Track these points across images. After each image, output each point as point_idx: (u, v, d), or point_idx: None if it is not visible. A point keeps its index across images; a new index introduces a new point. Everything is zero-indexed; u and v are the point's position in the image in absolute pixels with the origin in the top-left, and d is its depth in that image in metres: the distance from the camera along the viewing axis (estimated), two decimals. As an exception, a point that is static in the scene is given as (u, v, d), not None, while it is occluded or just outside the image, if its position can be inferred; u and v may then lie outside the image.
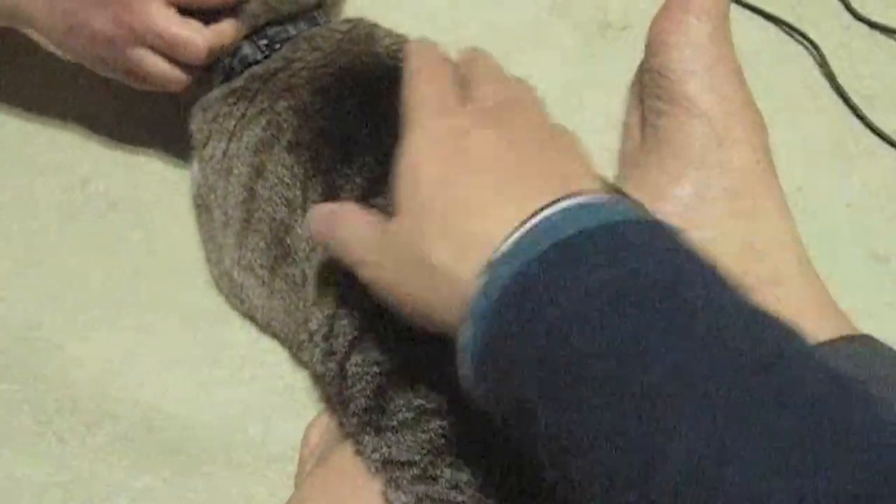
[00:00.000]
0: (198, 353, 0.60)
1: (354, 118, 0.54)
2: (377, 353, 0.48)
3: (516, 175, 0.41)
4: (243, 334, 0.61)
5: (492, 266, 0.38)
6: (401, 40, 0.59)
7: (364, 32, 0.58)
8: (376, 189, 0.50)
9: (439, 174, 0.42)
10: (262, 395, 0.59)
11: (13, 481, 0.56)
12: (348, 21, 0.60)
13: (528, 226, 0.38)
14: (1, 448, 0.57)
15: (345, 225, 0.46)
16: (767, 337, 0.35)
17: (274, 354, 0.60)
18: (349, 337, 0.49)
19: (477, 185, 0.41)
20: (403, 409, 0.47)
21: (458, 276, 0.39)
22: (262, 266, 0.56)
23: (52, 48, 0.62)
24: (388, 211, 0.44)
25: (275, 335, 0.60)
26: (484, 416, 0.44)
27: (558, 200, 0.38)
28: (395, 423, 0.47)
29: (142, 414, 0.59)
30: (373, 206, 0.47)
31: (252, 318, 0.60)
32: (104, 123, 0.68)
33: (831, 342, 0.53)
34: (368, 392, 0.48)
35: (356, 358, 0.48)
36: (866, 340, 0.54)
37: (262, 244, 0.55)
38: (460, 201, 0.41)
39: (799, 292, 0.55)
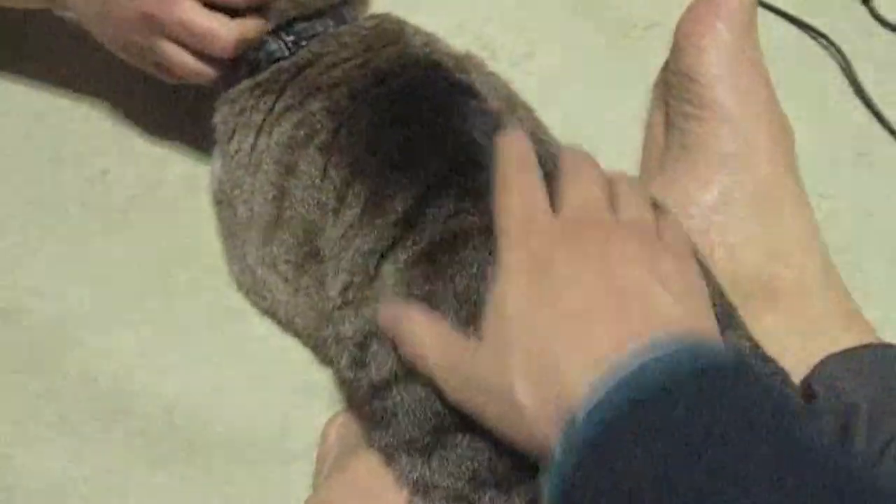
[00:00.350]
0: (217, 350, 0.60)
1: (399, 124, 0.53)
2: (430, 393, 0.46)
3: (593, 312, 0.40)
4: (263, 331, 0.61)
5: (569, 422, 0.37)
6: (432, 39, 0.58)
7: (392, 29, 0.58)
8: (434, 201, 0.49)
9: (523, 306, 0.41)
10: (281, 393, 0.59)
11: (32, 474, 0.57)
12: (374, 17, 0.59)
13: (608, 376, 0.37)
14: (20, 441, 0.57)
15: (422, 339, 0.45)
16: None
17: (294, 352, 0.60)
18: (392, 364, 0.48)
19: (559, 326, 0.40)
20: (462, 446, 0.46)
21: (543, 419, 0.39)
22: (287, 262, 0.55)
23: (84, 36, 0.61)
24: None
25: (296, 333, 0.60)
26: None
27: (635, 349, 0.38)
28: (447, 453, 0.46)
29: (161, 410, 0.59)
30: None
31: (273, 315, 0.60)
32: (125, 116, 0.68)
33: (854, 350, 0.53)
34: (417, 425, 0.47)
35: (405, 395, 0.47)
36: (888, 349, 0.54)
37: (291, 241, 0.55)
38: (543, 342, 0.40)
39: (823, 299, 0.55)
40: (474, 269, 0.47)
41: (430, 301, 0.47)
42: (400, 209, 0.50)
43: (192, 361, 0.60)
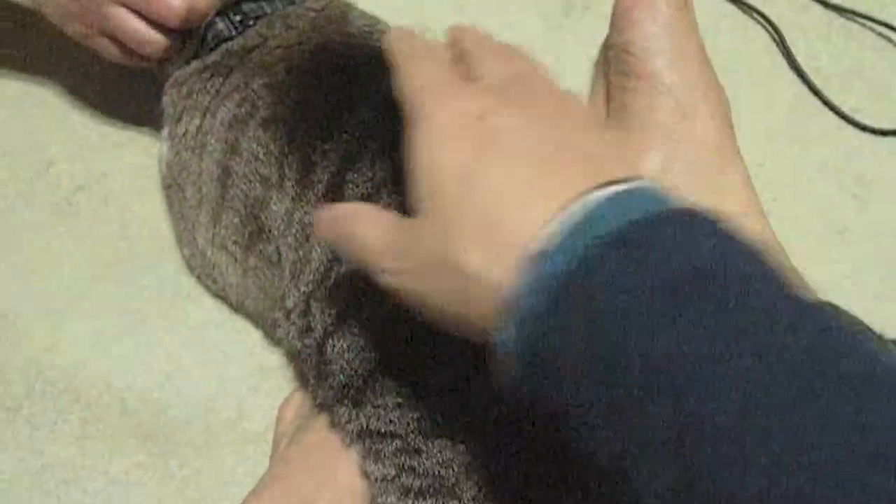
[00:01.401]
0: (170, 335, 0.60)
1: (329, 95, 0.54)
2: (360, 338, 0.48)
3: (547, 161, 0.37)
4: (216, 315, 0.61)
5: (534, 265, 0.35)
6: (374, 22, 0.59)
7: (338, 12, 0.59)
8: (352, 166, 0.50)
9: (461, 168, 0.38)
10: (236, 376, 0.59)
11: (-16, 467, 0.56)
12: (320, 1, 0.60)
13: (569, 219, 0.35)
14: (-29, 435, 0.57)
15: (359, 229, 0.42)
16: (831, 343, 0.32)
17: (247, 335, 0.60)
18: (328, 318, 0.49)
19: (505, 177, 0.37)
20: (390, 393, 0.47)
21: (494, 277, 0.36)
22: (235, 243, 0.56)
23: (26, 25, 0.61)
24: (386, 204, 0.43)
25: (248, 314, 0.60)
26: (479, 402, 0.44)
27: (597, 188, 0.35)
28: (377, 400, 0.47)
29: (114, 398, 0.58)
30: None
31: (225, 298, 0.60)
32: (69, 107, 0.67)
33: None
34: (350, 372, 0.48)
35: (337, 342, 0.48)
36: (830, 308, 0.55)
37: (236, 221, 0.55)
38: (489, 197, 0.37)
39: (763, 263, 0.57)
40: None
41: None
42: (325, 179, 0.51)
43: (144, 348, 0.60)
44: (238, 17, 0.58)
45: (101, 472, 0.56)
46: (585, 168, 0.37)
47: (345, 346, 0.48)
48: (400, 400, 0.47)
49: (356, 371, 0.48)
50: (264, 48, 0.56)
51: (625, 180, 0.36)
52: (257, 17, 0.58)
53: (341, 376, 0.48)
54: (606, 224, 0.34)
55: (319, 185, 0.51)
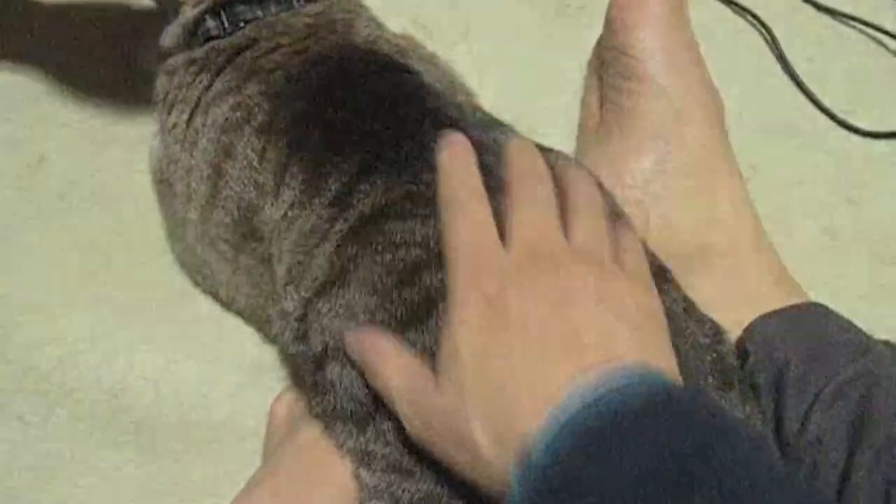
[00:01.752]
0: (163, 331, 0.60)
1: (336, 106, 0.53)
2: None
3: (547, 349, 0.40)
4: (209, 311, 0.61)
5: (523, 460, 0.38)
6: (379, 30, 0.59)
7: (341, 19, 0.58)
8: (364, 178, 0.50)
9: (476, 350, 0.42)
10: (228, 373, 0.59)
11: (-26, 462, 0.56)
12: (322, 3, 0.59)
13: (560, 411, 0.38)
14: (-39, 429, 0.57)
15: (385, 370, 0.45)
16: None
17: (239, 331, 0.60)
18: (328, 337, 0.48)
19: (512, 366, 0.40)
20: (393, 419, 0.46)
21: (499, 460, 0.39)
22: (226, 241, 0.56)
23: (20, 19, 0.60)
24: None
25: (238, 311, 0.60)
26: None
27: (586, 378, 0.38)
28: (380, 426, 0.47)
29: (106, 393, 0.58)
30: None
31: (215, 295, 0.60)
32: (62, 101, 0.67)
33: (785, 310, 0.55)
34: (356, 400, 0.47)
35: (341, 369, 0.48)
36: (818, 308, 0.56)
37: (227, 220, 0.55)
38: (495, 384, 0.40)
39: (755, 263, 0.57)
40: (397, 238, 0.47)
41: (353, 266, 0.48)
42: (334, 189, 0.50)
43: (137, 343, 0.60)
44: (228, 18, 0.58)
45: (92, 468, 0.56)
46: (575, 357, 0.40)
47: (348, 373, 0.47)
48: (402, 427, 0.46)
49: (361, 400, 0.47)
50: (255, 50, 0.56)
51: (606, 365, 0.39)
52: (248, 20, 0.58)
53: (344, 400, 0.48)
54: (588, 418, 0.37)
55: (328, 194, 0.50)
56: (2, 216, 0.64)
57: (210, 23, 0.58)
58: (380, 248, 0.47)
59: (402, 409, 0.44)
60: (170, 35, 0.59)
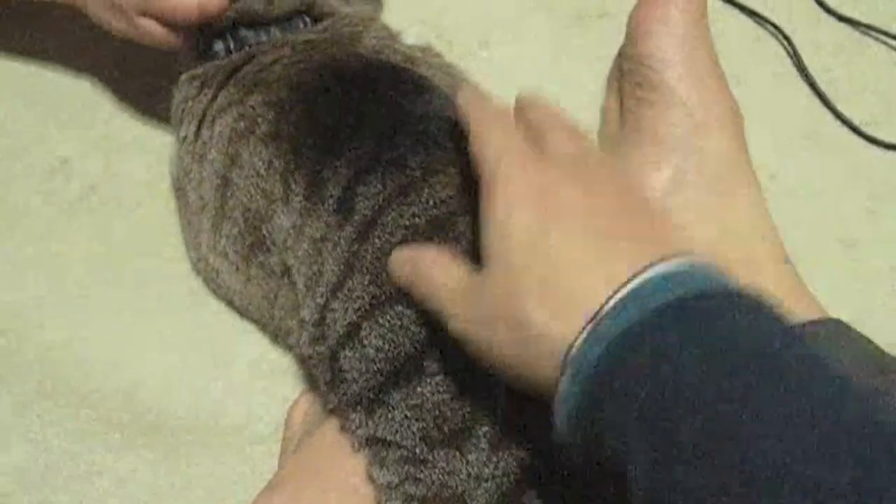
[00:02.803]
0: (180, 335, 0.61)
1: (336, 111, 0.54)
2: (372, 349, 0.48)
3: (611, 234, 0.42)
4: (226, 316, 0.61)
5: (595, 324, 0.38)
6: (388, 38, 0.59)
7: (347, 32, 0.58)
8: (363, 180, 0.51)
9: (532, 232, 0.42)
10: (245, 377, 0.60)
11: (-6, 462, 0.56)
12: (324, 23, 0.59)
13: (630, 286, 0.38)
14: (-19, 429, 0.57)
15: (434, 273, 0.46)
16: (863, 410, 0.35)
17: (256, 335, 0.61)
18: (341, 328, 0.49)
19: (573, 244, 0.41)
20: (400, 404, 0.47)
21: (556, 333, 0.40)
22: (236, 252, 0.56)
23: (44, 24, 0.61)
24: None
25: (253, 320, 0.60)
26: (490, 412, 0.46)
27: (657, 263, 0.39)
28: (388, 410, 0.48)
29: (123, 395, 0.59)
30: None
31: (230, 303, 0.61)
32: (85, 104, 0.68)
33: (802, 325, 0.54)
34: (363, 382, 0.48)
35: (351, 353, 0.49)
36: (836, 324, 0.55)
37: (235, 231, 0.56)
38: (557, 260, 0.41)
39: (773, 276, 0.57)
40: (392, 227, 0.49)
41: (356, 261, 0.49)
42: (336, 194, 0.51)
43: (153, 347, 0.60)
44: (234, 42, 0.59)
45: (109, 470, 0.57)
46: (645, 244, 0.41)
47: (358, 356, 0.48)
48: (408, 412, 0.47)
49: (369, 381, 0.48)
50: (256, 64, 0.57)
51: (676, 256, 0.40)
52: (253, 45, 0.58)
53: (354, 386, 0.49)
54: (663, 296, 0.38)
55: (330, 200, 0.51)
56: (23, 219, 0.64)
57: (217, 46, 0.59)
58: (377, 240, 0.49)
59: (449, 301, 0.44)
60: (183, 53, 0.60)
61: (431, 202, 0.50)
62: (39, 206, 0.65)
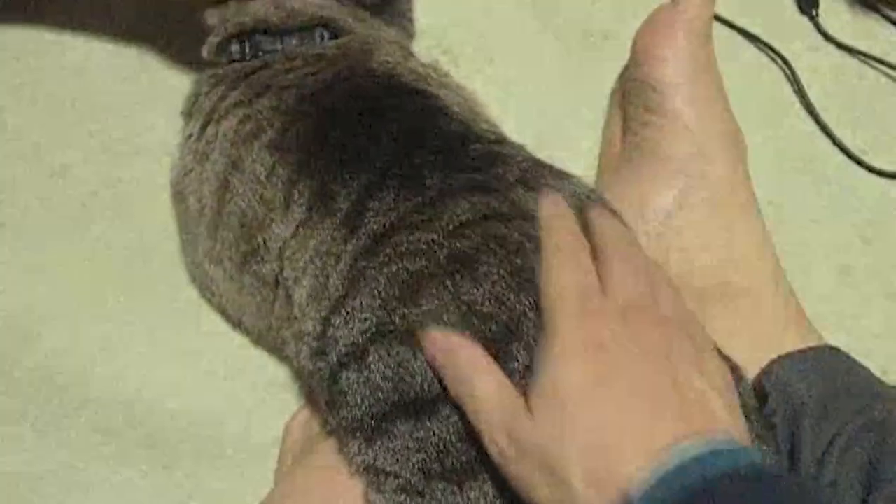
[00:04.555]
0: (180, 346, 0.60)
1: (348, 125, 0.54)
2: (376, 375, 0.47)
3: (650, 404, 0.42)
4: (225, 327, 0.61)
5: (628, 500, 0.39)
6: (400, 55, 0.59)
7: (359, 47, 0.59)
8: (374, 195, 0.51)
9: (579, 391, 0.42)
10: (244, 390, 0.60)
11: (-11, 470, 0.56)
12: (340, 40, 0.60)
13: (661, 468, 0.39)
14: (-23, 437, 0.57)
15: (479, 384, 0.44)
16: None
17: (256, 349, 0.60)
18: (343, 348, 0.48)
19: (614, 411, 0.41)
20: (402, 435, 0.47)
21: (587, 498, 0.40)
22: (230, 260, 0.56)
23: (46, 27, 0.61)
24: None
25: (246, 331, 0.60)
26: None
27: (687, 439, 0.40)
28: (389, 441, 0.47)
29: (121, 407, 0.58)
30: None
31: (224, 312, 0.60)
32: (86, 110, 0.68)
33: (802, 352, 0.55)
34: (365, 408, 0.48)
35: (352, 375, 0.48)
36: (833, 352, 0.56)
37: (230, 237, 0.55)
38: (599, 425, 0.41)
39: (772, 303, 0.57)
40: (403, 248, 0.48)
41: (362, 278, 0.48)
42: (344, 208, 0.51)
43: (153, 357, 0.60)
44: (251, 46, 0.59)
45: (104, 480, 0.57)
46: (681, 417, 0.41)
47: (363, 380, 0.47)
48: (411, 444, 0.46)
49: (372, 408, 0.47)
50: (270, 69, 0.57)
51: (709, 432, 0.41)
52: (269, 51, 0.59)
53: (356, 410, 0.48)
54: (692, 477, 0.38)
55: (339, 213, 0.51)
56: (24, 225, 0.64)
57: (234, 47, 0.59)
58: (387, 259, 0.48)
59: (489, 424, 0.44)
60: (206, 49, 0.61)
61: (451, 227, 0.49)
62: (40, 213, 0.64)
